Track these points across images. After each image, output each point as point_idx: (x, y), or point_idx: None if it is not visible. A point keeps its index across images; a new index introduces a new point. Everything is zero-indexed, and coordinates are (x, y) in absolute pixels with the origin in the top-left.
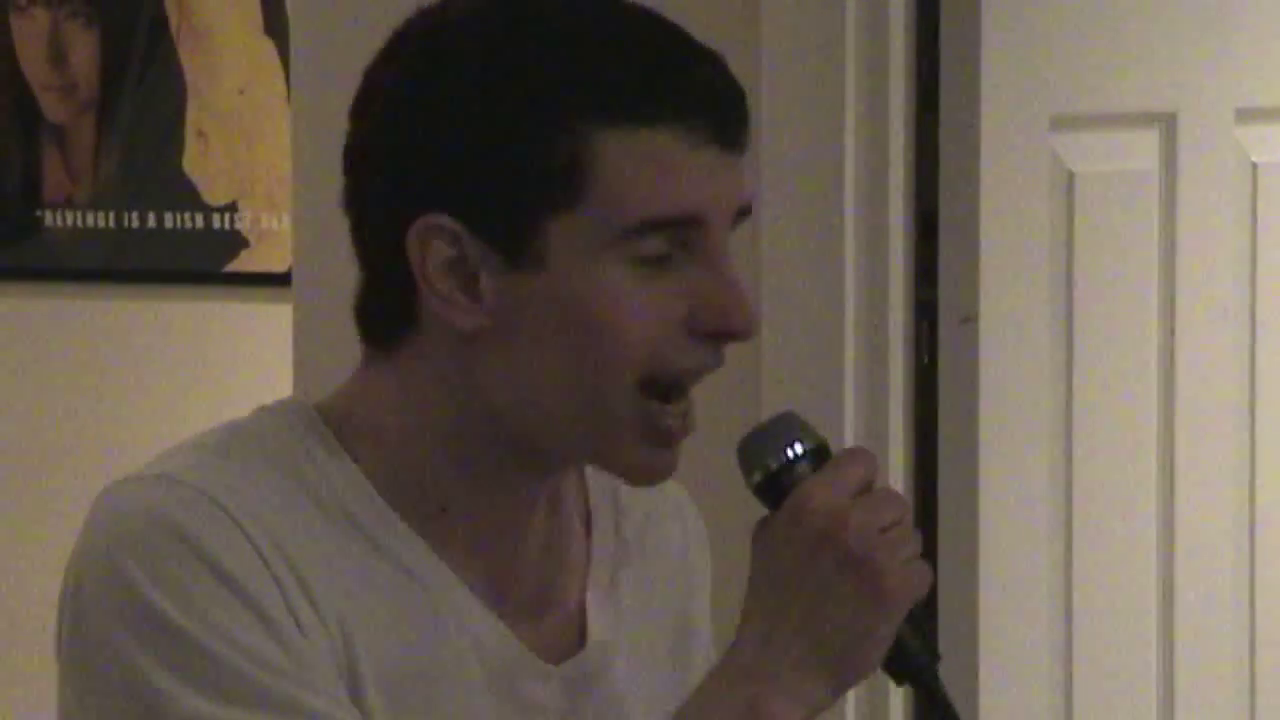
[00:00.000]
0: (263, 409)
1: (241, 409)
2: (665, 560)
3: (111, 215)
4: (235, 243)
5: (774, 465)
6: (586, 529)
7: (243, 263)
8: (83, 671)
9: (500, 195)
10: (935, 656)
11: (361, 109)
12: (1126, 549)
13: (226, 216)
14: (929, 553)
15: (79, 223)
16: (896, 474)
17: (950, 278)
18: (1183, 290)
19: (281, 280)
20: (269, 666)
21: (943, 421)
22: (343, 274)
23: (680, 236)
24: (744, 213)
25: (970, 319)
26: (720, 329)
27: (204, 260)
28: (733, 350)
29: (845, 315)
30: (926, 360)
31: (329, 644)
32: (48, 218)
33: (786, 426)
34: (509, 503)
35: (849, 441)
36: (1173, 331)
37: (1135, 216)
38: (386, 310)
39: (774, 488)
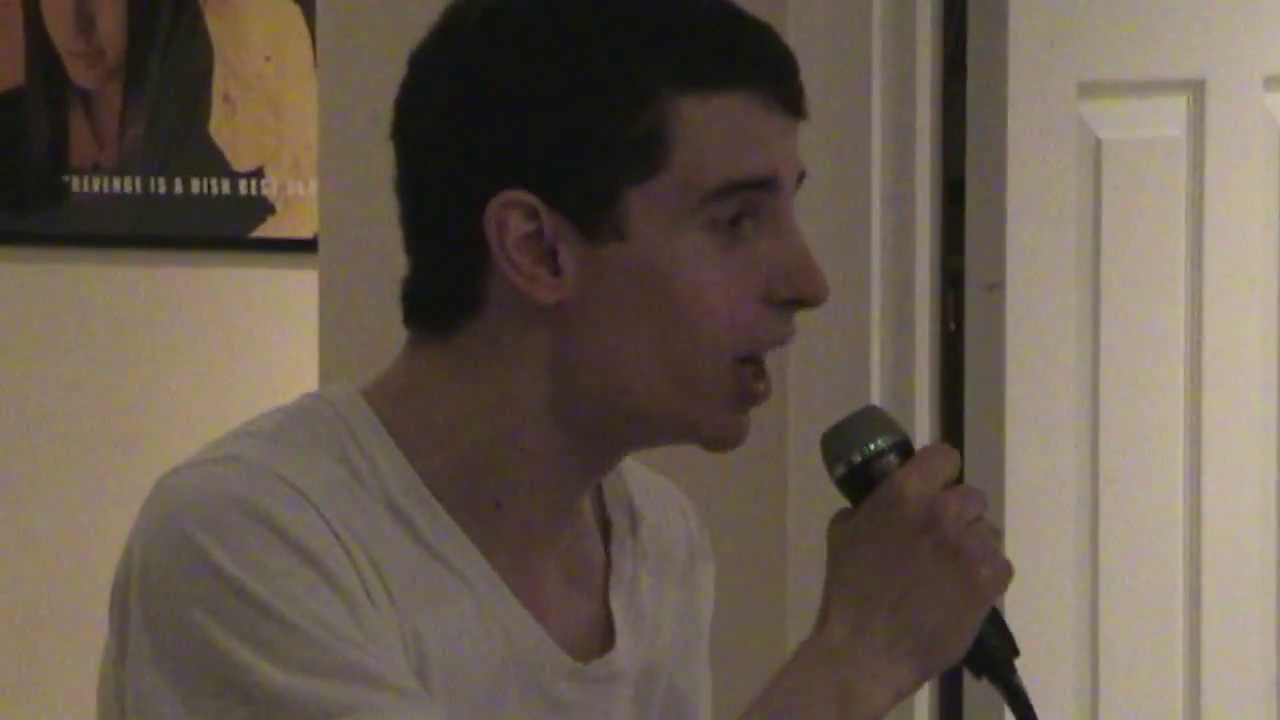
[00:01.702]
0: (311, 396)
1: (268, 374)
2: (674, 564)
3: (138, 181)
4: (261, 208)
5: (859, 458)
6: (604, 535)
7: (269, 228)
8: (159, 649)
9: (580, 167)
10: (1014, 651)
11: (417, 95)
12: (1153, 512)
13: (253, 182)
14: None
15: (106, 188)
16: (922, 441)
17: (976, 245)
18: (1210, 257)
19: (308, 246)
20: (345, 638)
21: (968, 389)
22: (368, 240)
23: (753, 202)
24: (800, 179)
25: (996, 286)
26: (796, 297)
27: (230, 226)
28: None
29: (871, 282)
30: (952, 327)
31: (396, 623)
32: (75, 183)
33: (871, 420)
34: (560, 498)
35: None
36: (1200, 299)
37: (1163, 184)
38: (447, 293)
39: (859, 479)
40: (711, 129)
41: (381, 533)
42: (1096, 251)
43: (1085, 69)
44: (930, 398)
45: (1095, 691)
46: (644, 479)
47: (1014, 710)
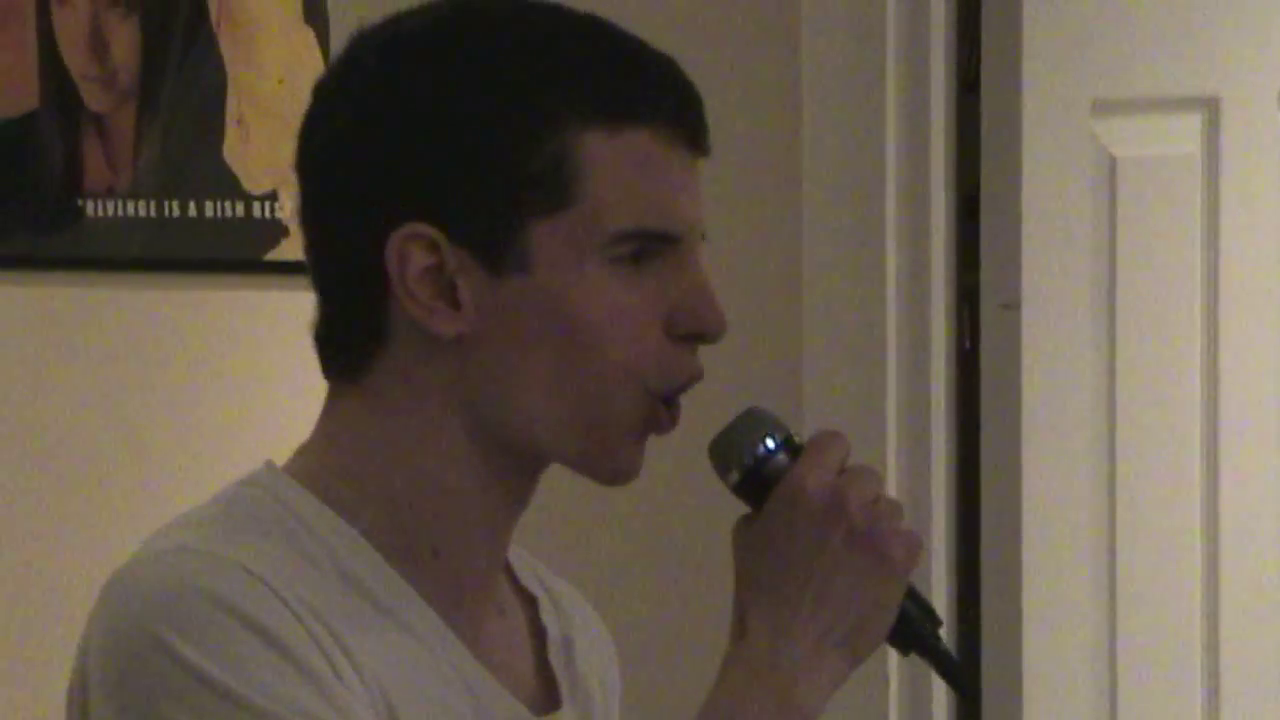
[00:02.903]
0: (239, 485)
1: (282, 396)
2: (594, 644)
3: (152, 204)
4: (276, 231)
5: (750, 460)
6: (526, 606)
7: (283, 251)
8: None
9: (483, 201)
10: (936, 621)
11: (319, 125)
12: (1170, 533)
13: (267, 205)
14: (972, 539)
15: (120, 212)
16: (938, 461)
17: (992, 263)
18: (1225, 275)
19: None
20: (317, 719)
21: (984, 407)
22: None
23: (656, 244)
24: (703, 235)
25: (1012, 305)
26: (694, 331)
27: (244, 249)
28: (774, 335)
29: (886, 300)
30: (968, 346)
31: (368, 695)
32: (89, 207)
33: (755, 422)
34: (492, 541)
35: (891, 429)
36: (1216, 317)
37: (1178, 202)
38: (353, 329)
39: (754, 483)
40: (618, 168)
41: (338, 604)
42: (1112, 269)
43: (1100, 86)
44: (946, 416)
45: (1113, 706)
46: (547, 571)
47: (945, 674)
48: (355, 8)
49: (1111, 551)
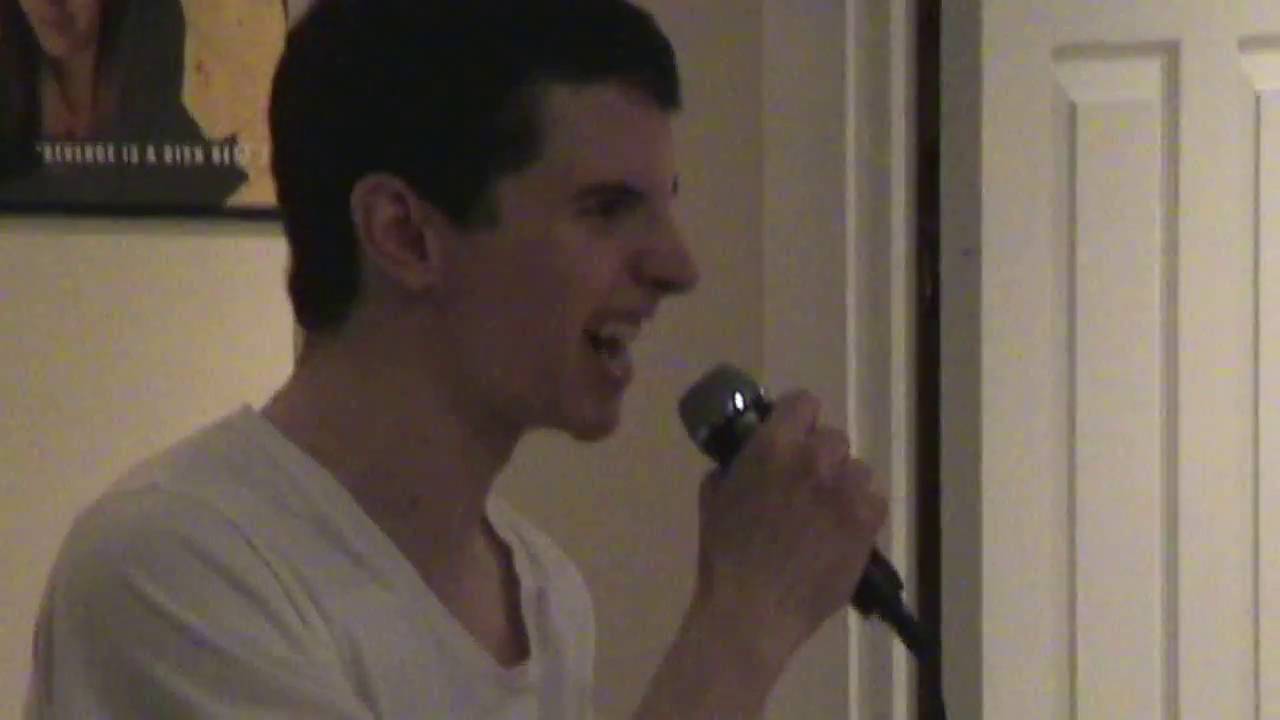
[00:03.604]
0: (216, 426)
1: (242, 342)
2: (568, 594)
3: (111, 149)
4: (235, 176)
5: (719, 418)
6: (501, 556)
7: (243, 196)
8: (93, 687)
9: (449, 154)
10: (898, 584)
11: (291, 74)
12: (1130, 475)
13: (226, 150)
14: (932, 486)
15: (79, 157)
16: (899, 406)
17: (952, 209)
18: (1186, 220)
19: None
20: (286, 665)
21: (944, 353)
22: None
23: (626, 199)
24: (674, 187)
25: (972, 251)
26: (663, 277)
27: (204, 194)
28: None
29: (847, 247)
30: (929, 292)
31: (334, 644)
32: (47, 152)
33: (725, 380)
34: (470, 493)
35: (851, 375)
36: (1175, 261)
37: (1138, 147)
38: (327, 282)
39: (723, 440)
40: (585, 123)
41: (309, 549)
42: (1072, 215)
43: (1059, 32)
44: (906, 363)
45: (1073, 653)
46: (522, 522)
47: (906, 637)
48: None
49: (1071, 494)
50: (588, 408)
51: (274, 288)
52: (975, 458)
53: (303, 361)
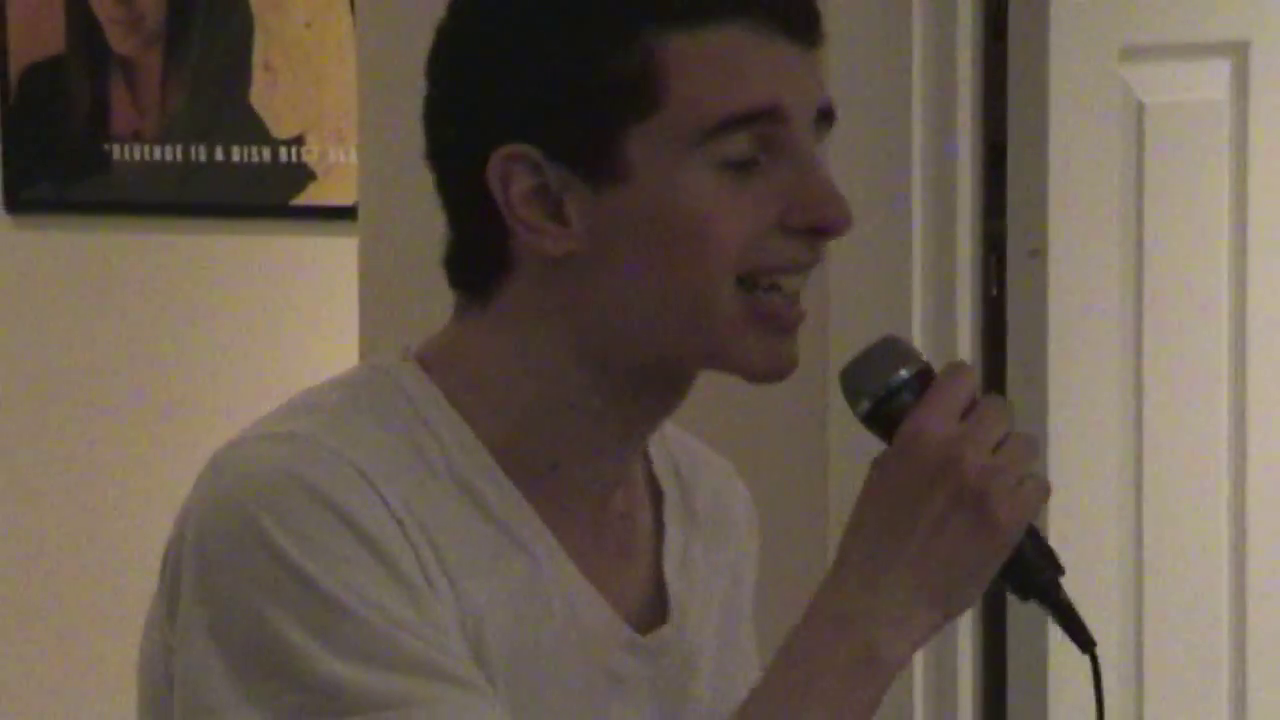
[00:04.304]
0: (368, 367)
1: (309, 341)
2: (724, 534)
3: (179, 149)
4: (302, 176)
5: (879, 394)
6: (654, 501)
7: (310, 196)
8: (213, 625)
9: (574, 115)
10: (1059, 570)
11: (432, 63)
12: (1197, 477)
13: (293, 150)
14: None
15: (147, 156)
16: None
17: (1018, 210)
18: (1254, 222)
19: (348, 213)
20: (405, 627)
21: (1010, 354)
22: (408, 207)
23: (764, 136)
24: (826, 116)
25: (1038, 252)
26: (814, 224)
27: (271, 194)
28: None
29: (913, 248)
30: (994, 293)
31: (457, 609)
32: (116, 151)
33: (887, 352)
34: (612, 457)
35: None
36: (1244, 262)
37: (1206, 148)
38: (478, 256)
39: (881, 417)
40: (705, 62)
41: (444, 509)
42: (1139, 216)
43: (1127, 32)
44: (972, 363)
45: (1139, 649)
46: (691, 447)
47: (1066, 627)
48: None
49: (1138, 494)
50: (752, 348)
51: (340, 285)
52: (1042, 459)
53: (452, 324)
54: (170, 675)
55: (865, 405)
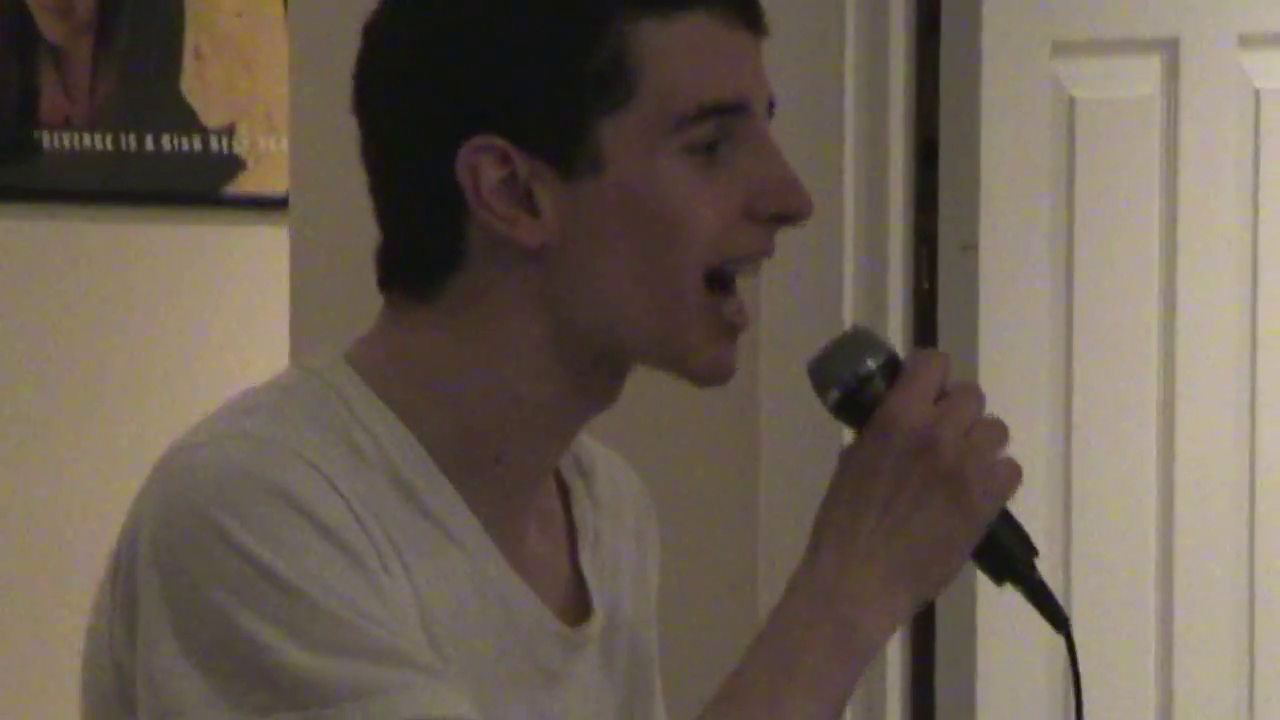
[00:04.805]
0: (300, 369)
1: (239, 331)
2: (623, 516)
3: (109, 137)
4: (233, 165)
5: (849, 383)
6: (561, 494)
7: (241, 185)
8: (178, 628)
9: (546, 105)
10: (1032, 551)
11: (376, 61)
12: (1126, 473)
13: (224, 139)
14: None
15: (76, 144)
16: None
17: (950, 205)
18: (1184, 217)
19: (279, 203)
20: (370, 616)
21: (942, 347)
22: (340, 197)
23: (727, 127)
24: (770, 106)
25: (970, 246)
26: (780, 211)
27: (202, 182)
28: None
29: (845, 242)
30: (926, 287)
31: (412, 597)
32: (45, 138)
33: (856, 342)
34: (554, 450)
35: None
36: (1174, 258)
37: (1137, 143)
38: (428, 252)
39: (851, 405)
40: (676, 52)
41: (386, 504)
42: (1070, 211)
43: (1059, 28)
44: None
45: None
46: (581, 439)
47: (1041, 608)
48: None
49: (1067, 490)
50: (707, 352)
51: (271, 275)
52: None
53: (387, 325)
54: (121, 683)
55: (835, 394)
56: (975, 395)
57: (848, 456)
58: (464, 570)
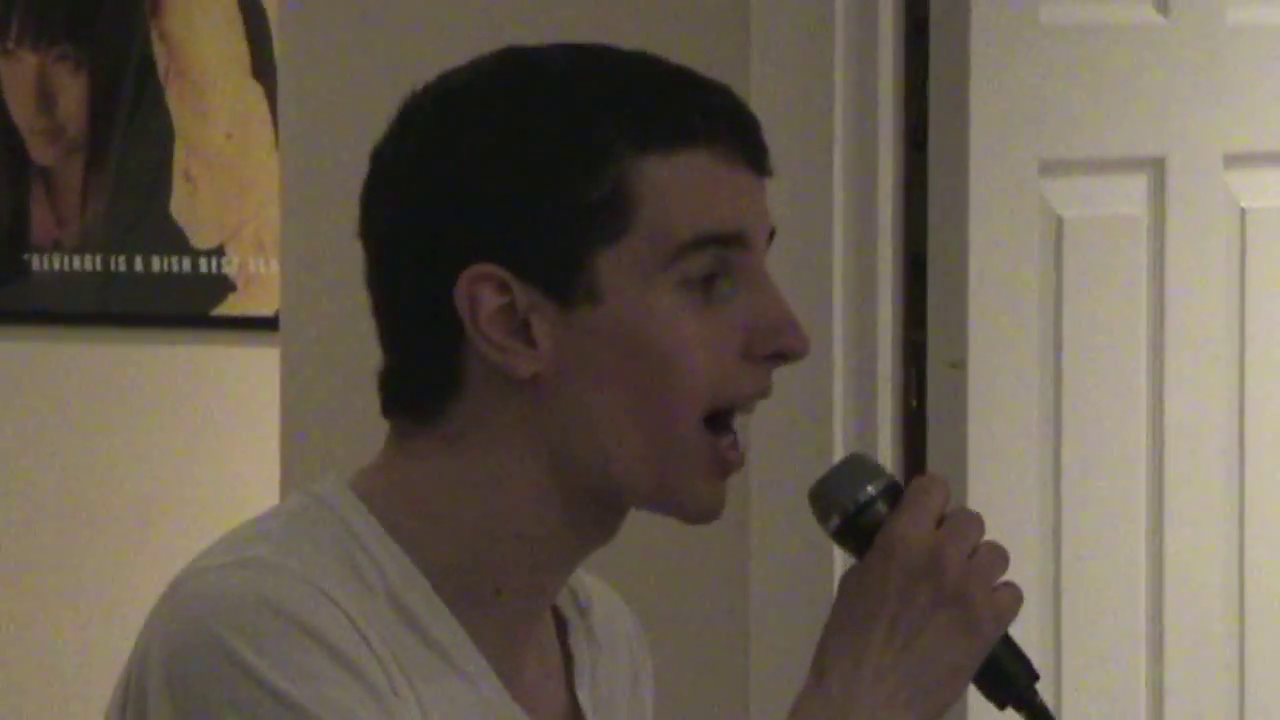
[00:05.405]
0: (304, 496)
1: (229, 452)
2: (618, 652)
3: (99, 258)
4: (223, 286)
5: (851, 508)
6: (558, 627)
7: (230, 306)
8: None
9: (545, 236)
10: (1033, 675)
11: (381, 186)
12: (1116, 596)
13: (214, 260)
14: None
15: (66, 266)
16: None
17: (939, 322)
18: (1172, 336)
19: (269, 324)
20: None
21: (930, 466)
22: (330, 318)
23: (725, 258)
24: (770, 237)
25: (959, 363)
26: (777, 350)
27: (191, 304)
28: None
29: (834, 358)
30: (915, 404)
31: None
32: (35, 261)
33: (856, 468)
34: (553, 581)
35: None
36: (1162, 377)
37: (1124, 262)
38: (426, 378)
39: (853, 531)
40: (676, 185)
41: (390, 630)
42: (1058, 329)
43: (1046, 147)
44: (893, 473)
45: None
46: (579, 573)
47: None
48: (304, 63)
49: (1057, 609)
50: (701, 491)
51: (261, 396)
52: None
53: (391, 451)
54: None
55: (836, 520)
56: (976, 520)
57: (851, 579)
58: (467, 698)
